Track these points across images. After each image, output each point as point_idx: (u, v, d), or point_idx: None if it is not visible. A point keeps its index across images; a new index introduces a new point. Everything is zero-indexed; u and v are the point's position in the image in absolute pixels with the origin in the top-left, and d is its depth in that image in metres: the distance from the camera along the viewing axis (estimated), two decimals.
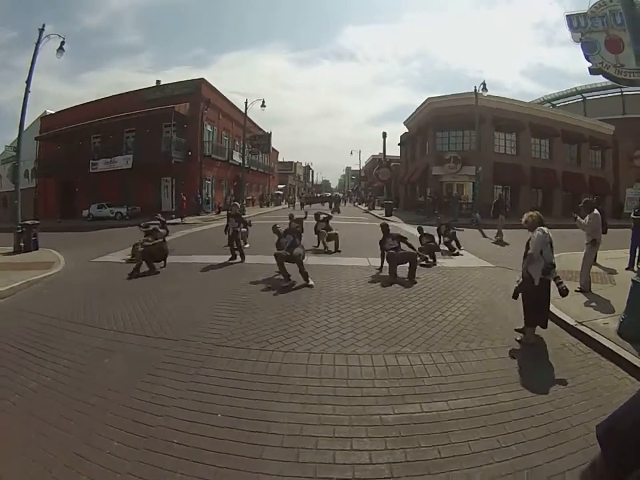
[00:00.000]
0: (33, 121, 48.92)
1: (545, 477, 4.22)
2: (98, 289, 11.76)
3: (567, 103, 61.88)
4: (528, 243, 7.64)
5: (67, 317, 9.40)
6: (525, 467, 4.36)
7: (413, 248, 13.41)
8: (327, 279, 12.68)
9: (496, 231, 22.91)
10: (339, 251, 17.62)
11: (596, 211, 10.77)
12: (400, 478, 4.30)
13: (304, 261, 12.68)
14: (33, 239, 18.36)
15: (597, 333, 7.67)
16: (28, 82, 19.54)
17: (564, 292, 7.64)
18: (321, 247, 18.14)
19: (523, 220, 7.78)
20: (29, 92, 19.66)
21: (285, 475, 4.30)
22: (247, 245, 18.28)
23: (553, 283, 7.49)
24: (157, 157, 39.47)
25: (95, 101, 47.28)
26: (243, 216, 18.08)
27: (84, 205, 41.85)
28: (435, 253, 15.33)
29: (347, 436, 4.96)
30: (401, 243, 13.27)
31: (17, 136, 21.38)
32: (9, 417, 5.40)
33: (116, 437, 4.91)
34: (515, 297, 7.91)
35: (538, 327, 7.67)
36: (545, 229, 7.49)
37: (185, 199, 35.87)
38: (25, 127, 21.66)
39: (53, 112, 51.89)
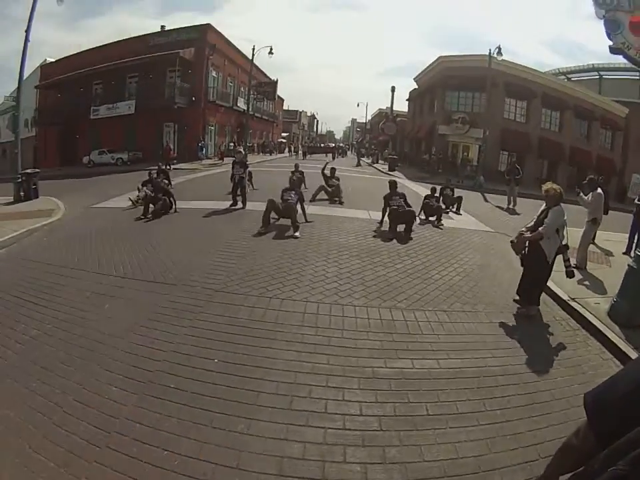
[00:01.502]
0: (33, 70, 47.91)
1: (527, 443, 4.34)
2: (98, 235, 11.76)
3: (582, 78, 59.17)
4: (540, 216, 7.49)
5: (67, 263, 9.46)
6: (508, 433, 4.48)
7: (410, 206, 13.41)
8: (327, 229, 12.72)
9: (506, 197, 21.92)
10: (342, 203, 17.53)
11: (599, 190, 10.72)
12: (388, 431, 4.43)
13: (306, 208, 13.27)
14: (33, 187, 18.12)
15: (588, 311, 7.71)
16: (27, 31, 18.90)
17: (571, 274, 7.67)
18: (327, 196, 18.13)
19: (545, 189, 7.48)
20: (29, 41, 19.06)
21: (278, 422, 4.44)
22: (256, 188, 18.73)
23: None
24: (160, 102, 38.97)
25: (97, 47, 45.95)
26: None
27: (85, 152, 41.27)
28: (438, 214, 15.15)
29: (339, 386, 5.09)
30: (404, 200, 13.35)
31: (15, 87, 21.08)
32: (11, 366, 5.49)
33: (115, 383, 5.04)
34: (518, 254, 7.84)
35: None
36: (562, 208, 7.32)
37: (171, 146, 34.75)
38: (25, 77, 21.26)
39: (53, 60, 50.53)
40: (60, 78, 43.51)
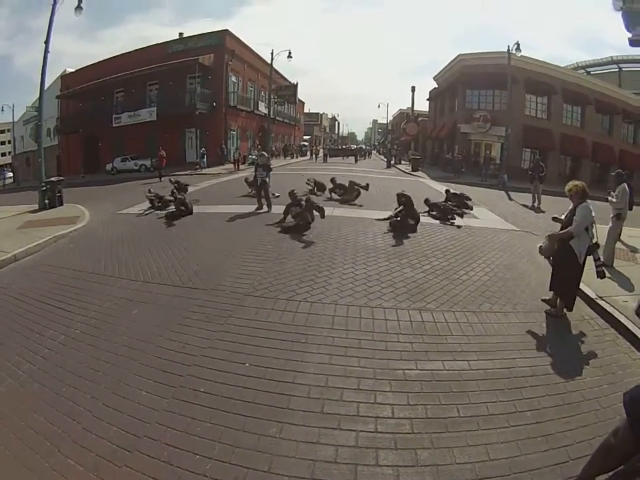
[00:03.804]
0: (54, 80, 49.00)
1: (558, 445, 4.29)
2: (124, 241, 11.89)
3: (602, 71, 58.01)
4: (568, 215, 7.28)
5: (94, 269, 9.56)
6: (538, 434, 4.44)
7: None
8: (353, 231, 12.62)
9: (530, 195, 21.35)
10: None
11: (624, 185, 10.52)
12: (420, 434, 4.41)
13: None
14: (58, 195, 18.47)
15: (616, 310, 7.55)
16: (47, 42, 19.19)
17: (601, 274, 7.49)
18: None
19: (567, 188, 7.26)
20: (49, 52, 19.29)
21: (310, 426, 4.43)
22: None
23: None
24: (182, 109, 39.36)
25: (116, 56, 46.85)
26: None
27: (107, 159, 42.14)
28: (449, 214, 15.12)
29: (371, 389, 5.07)
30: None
31: (37, 97, 21.30)
32: (39, 371, 5.57)
33: (145, 387, 5.08)
34: (548, 258, 7.71)
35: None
36: (590, 204, 7.08)
37: (163, 153, 31.26)
38: (46, 87, 21.54)
39: (73, 70, 51.69)
40: (81, 87, 44.33)
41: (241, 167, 36.88)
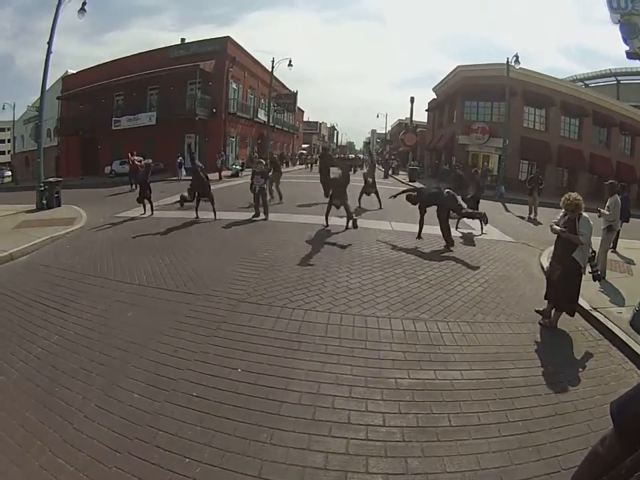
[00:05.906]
0: (55, 81, 48.89)
1: (549, 455, 4.30)
2: (120, 244, 11.90)
3: (600, 84, 58.50)
4: (562, 225, 7.26)
5: (90, 271, 9.57)
6: (530, 444, 4.43)
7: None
8: (350, 240, 12.62)
9: (527, 207, 21.47)
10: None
11: (617, 197, 10.51)
12: (411, 442, 4.40)
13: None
14: (56, 195, 18.55)
15: (610, 321, 7.59)
16: (49, 43, 19.33)
17: (598, 277, 7.56)
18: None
19: (568, 202, 7.16)
20: (51, 52, 19.47)
21: (301, 432, 4.43)
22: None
23: None
24: (181, 114, 39.32)
25: (118, 59, 46.82)
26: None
27: (106, 161, 42.02)
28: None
29: (362, 397, 5.07)
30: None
31: (37, 97, 21.25)
32: (33, 371, 5.57)
33: (137, 390, 5.07)
34: (555, 279, 7.54)
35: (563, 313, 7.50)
36: (587, 216, 7.15)
37: (134, 159, 24.73)
38: (47, 88, 21.53)
39: (74, 72, 51.60)
40: (81, 89, 44.31)
41: (223, 177, 33.55)
